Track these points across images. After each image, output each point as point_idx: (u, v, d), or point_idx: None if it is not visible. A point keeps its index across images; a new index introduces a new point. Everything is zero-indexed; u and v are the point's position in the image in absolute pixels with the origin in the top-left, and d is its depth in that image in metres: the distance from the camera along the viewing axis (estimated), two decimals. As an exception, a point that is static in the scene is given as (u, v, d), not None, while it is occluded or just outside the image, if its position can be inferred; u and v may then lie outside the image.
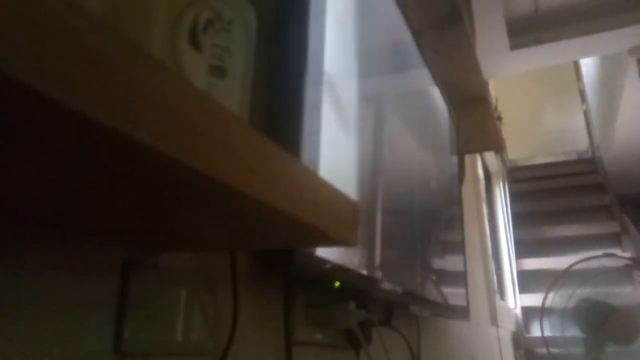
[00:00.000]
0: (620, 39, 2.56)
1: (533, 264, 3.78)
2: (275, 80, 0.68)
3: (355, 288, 0.79)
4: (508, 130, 3.47)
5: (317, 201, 0.35)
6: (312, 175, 0.35)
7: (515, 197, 4.34)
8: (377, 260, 0.89)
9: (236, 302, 0.56)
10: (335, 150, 0.74)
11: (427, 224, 1.31)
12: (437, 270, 1.36)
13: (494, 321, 2.62)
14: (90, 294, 0.41)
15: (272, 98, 0.67)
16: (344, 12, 0.86)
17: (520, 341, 3.40)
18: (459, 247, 1.72)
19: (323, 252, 0.65)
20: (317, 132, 0.68)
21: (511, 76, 3.67)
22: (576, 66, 4.78)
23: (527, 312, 3.55)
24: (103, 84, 0.19)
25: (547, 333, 2.94)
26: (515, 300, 3.58)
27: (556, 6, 2.58)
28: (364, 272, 0.82)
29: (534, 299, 3.44)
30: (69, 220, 0.36)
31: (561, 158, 5.03)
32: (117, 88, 0.19)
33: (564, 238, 3.85)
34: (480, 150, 1.98)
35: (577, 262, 2.94)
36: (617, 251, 3.46)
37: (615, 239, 3.74)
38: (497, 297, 2.84)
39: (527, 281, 3.68)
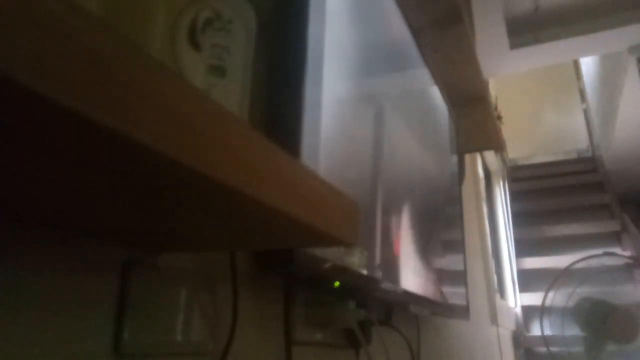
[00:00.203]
0: (619, 37, 2.56)
1: (533, 263, 3.78)
2: (274, 79, 0.68)
3: (355, 287, 0.79)
4: (508, 129, 3.48)
5: (317, 201, 0.35)
6: (312, 175, 0.35)
7: (515, 196, 4.35)
8: (377, 259, 0.89)
9: (236, 302, 0.56)
10: (335, 149, 0.74)
11: (427, 223, 1.31)
12: (437, 270, 1.36)
13: (494, 320, 2.62)
14: (89, 294, 0.41)
15: (272, 97, 0.67)
16: (343, 12, 0.86)
17: (520, 340, 3.40)
18: (459, 246, 1.72)
19: (323, 252, 0.65)
20: (317, 131, 0.68)
21: (511, 75, 3.67)
22: (576, 65, 4.79)
23: (527, 311, 3.55)
24: (103, 84, 0.19)
25: (547, 332, 2.94)
26: (516, 299, 3.58)
27: (556, 5, 2.58)
28: (364, 271, 0.82)
29: (534, 298, 3.44)
30: (68, 221, 0.36)
31: (561, 157, 5.04)
32: (117, 88, 0.19)
33: (564, 237, 3.85)
34: (480, 149, 1.98)
35: (577, 261, 2.94)
36: (617, 250, 3.47)
37: (615, 238, 3.75)
38: (497, 296, 2.84)
39: (527, 280, 3.68)
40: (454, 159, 1.82)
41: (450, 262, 1.57)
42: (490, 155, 3.54)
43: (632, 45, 2.63)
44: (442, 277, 1.39)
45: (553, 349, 2.97)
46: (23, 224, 0.36)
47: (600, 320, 2.67)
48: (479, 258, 2.58)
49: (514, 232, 3.95)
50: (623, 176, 4.38)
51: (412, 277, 1.09)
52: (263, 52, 0.67)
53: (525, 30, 2.65)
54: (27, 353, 0.35)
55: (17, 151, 0.22)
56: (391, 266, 0.96)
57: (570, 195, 4.29)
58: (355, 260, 0.78)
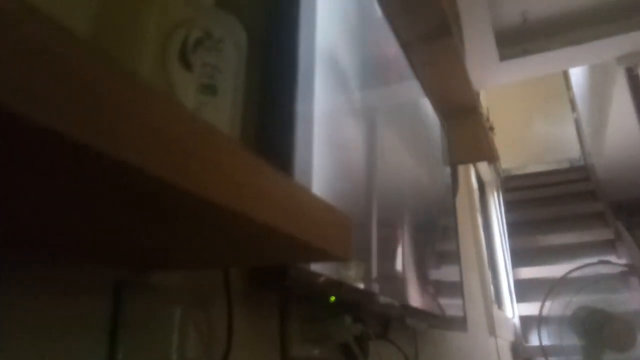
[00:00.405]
0: (608, 47, 2.60)
1: (529, 272, 3.78)
2: (266, 97, 0.68)
3: (351, 302, 0.79)
4: (500, 140, 3.50)
5: (309, 217, 0.35)
6: (303, 191, 0.35)
7: (510, 206, 4.36)
8: (373, 273, 0.89)
9: (230, 319, 0.56)
10: (328, 163, 0.75)
11: (423, 235, 1.31)
12: (434, 281, 1.36)
13: (492, 331, 2.61)
14: (82, 315, 0.40)
15: (264, 115, 0.68)
16: (334, 27, 0.87)
17: (519, 351, 3.38)
18: (454, 258, 1.72)
19: (317, 267, 0.65)
20: (309, 146, 0.68)
21: (502, 87, 3.70)
22: (565, 75, 4.84)
23: (525, 321, 3.54)
24: (90, 107, 0.19)
25: (546, 342, 2.93)
26: (513, 310, 3.57)
27: (544, 17, 2.62)
28: (360, 285, 0.82)
29: (531, 308, 3.44)
30: (58, 242, 0.36)
31: (554, 166, 5.07)
32: (104, 110, 0.19)
33: (559, 246, 3.86)
34: (473, 160, 1.99)
35: (572, 270, 2.95)
36: (612, 258, 3.47)
37: (609, 246, 3.76)
38: (495, 306, 2.84)
39: (524, 290, 3.68)
40: (448, 170, 1.83)
41: (446, 273, 1.57)
42: (483, 166, 3.56)
43: (620, 55, 2.67)
44: (438, 289, 1.39)
45: (552, 359, 2.96)
46: (9, 246, 0.36)
47: (597, 329, 2.67)
48: (475, 269, 2.58)
49: (509, 242, 3.96)
50: (615, 184, 4.41)
51: (408, 290, 1.09)
52: (254, 70, 0.68)
53: (514, 42, 2.68)
54: (18, 377, 0.35)
55: (2, 175, 0.22)
56: (387, 279, 0.96)
57: (564, 204, 4.31)
58: (352, 273, 0.77)
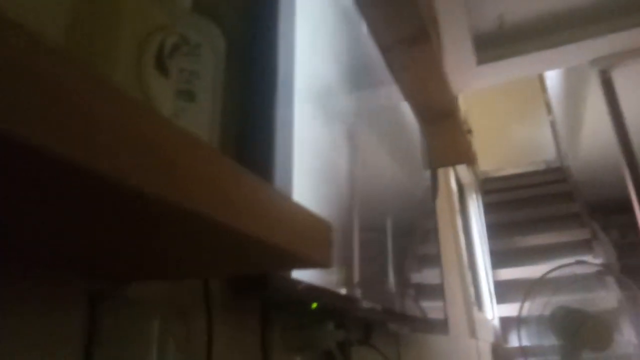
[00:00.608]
0: (582, 51, 2.66)
1: (508, 274, 3.83)
2: (245, 102, 0.68)
3: (333, 308, 0.79)
4: (478, 143, 3.55)
5: (289, 224, 0.35)
6: (283, 198, 0.35)
7: (488, 208, 4.42)
8: (355, 278, 0.89)
9: (211, 330, 0.55)
10: (309, 168, 0.74)
11: (404, 238, 1.32)
12: (415, 285, 1.36)
13: (473, 333, 2.63)
14: (55, 330, 0.39)
15: (243, 120, 0.67)
16: (313, 32, 0.86)
17: (499, 352, 3.42)
18: (435, 261, 1.73)
19: (299, 274, 0.65)
20: (289, 152, 0.67)
21: (479, 90, 3.76)
22: (541, 79, 4.93)
23: (505, 322, 3.58)
24: (62, 115, 0.18)
25: (525, 342, 2.97)
26: (493, 311, 3.61)
27: (519, 21, 2.67)
28: (342, 291, 0.81)
29: (510, 309, 3.48)
30: (30, 254, 0.35)
31: (531, 168, 5.16)
32: (79, 120, 0.19)
33: (537, 247, 3.92)
34: (452, 164, 2.01)
35: (550, 271, 2.99)
36: (589, 258, 3.54)
37: (586, 246, 3.84)
38: (475, 308, 2.86)
39: (504, 291, 3.72)
40: (427, 173, 1.84)
41: (428, 276, 1.58)
42: (462, 169, 3.59)
43: (593, 58, 2.73)
44: (420, 291, 1.40)
45: (531, 359, 3.00)
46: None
47: (575, 329, 2.71)
48: (456, 271, 2.60)
49: (488, 244, 4.01)
50: (591, 185, 4.50)
51: (390, 294, 1.09)
52: (233, 75, 0.67)
53: (491, 46, 2.72)
54: (-12, 397, 0.33)
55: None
56: (369, 284, 0.96)
57: (541, 205, 4.38)
58: (334, 279, 0.77)
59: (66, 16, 0.39)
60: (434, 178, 1.99)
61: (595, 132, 3.62)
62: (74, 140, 0.18)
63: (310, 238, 0.38)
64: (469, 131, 3.17)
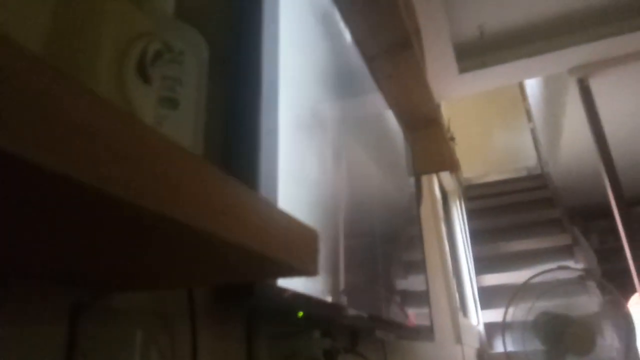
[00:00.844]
0: (560, 59, 2.71)
1: (492, 279, 3.86)
2: (229, 110, 0.67)
3: (320, 316, 0.78)
4: (461, 150, 3.59)
5: (275, 232, 0.34)
6: (269, 205, 0.34)
7: (472, 215, 4.46)
8: (341, 285, 0.88)
9: (195, 341, 0.54)
10: (294, 175, 0.74)
11: (389, 245, 1.32)
12: (401, 291, 1.36)
13: (458, 339, 2.64)
14: (34, 342, 0.38)
15: (227, 128, 0.66)
16: (298, 40, 0.86)
17: (484, 358, 3.44)
18: (420, 267, 1.74)
19: (284, 282, 0.64)
20: (274, 159, 0.67)
21: (461, 98, 3.80)
22: (521, 87, 5.02)
23: (490, 328, 3.61)
24: (43, 124, 0.18)
25: (510, 348, 2.98)
26: (478, 317, 3.63)
27: (499, 31, 2.72)
28: (328, 299, 0.81)
29: (495, 315, 3.51)
30: (9, 264, 0.34)
31: (512, 175, 5.23)
32: (58, 127, 0.18)
33: (520, 252, 3.97)
34: (436, 170, 2.03)
35: (534, 276, 3.02)
36: (571, 263, 3.59)
37: (567, 251, 3.89)
38: (460, 314, 2.88)
39: (488, 297, 3.75)
40: (412, 180, 1.85)
41: (413, 282, 1.58)
42: (446, 176, 3.63)
43: (572, 66, 2.79)
44: (405, 298, 1.40)
45: (516, 364, 3.02)
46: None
47: (558, 334, 2.74)
48: (441, 277, 2.61)
49: (472, 250, 4.04)
50: (571, 191, 4.58)
51: (376, 301, 1.09)
52: (217, 82, 0.67)
53: (472, 55, 2.77)
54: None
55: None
56: (355, 291, 0.96)
57: (523, 211, 4.44)
58: (320, 286, 0.77)
59: (47, 22, 0.38)
60: (418, 185, 2.00)
61: (574, 140, 3.69)
62: (51, 147, 0.18)
63: (297, 246, 0.37)
64: (452, 139, 3.20)
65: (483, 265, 3.96)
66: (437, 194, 3.09)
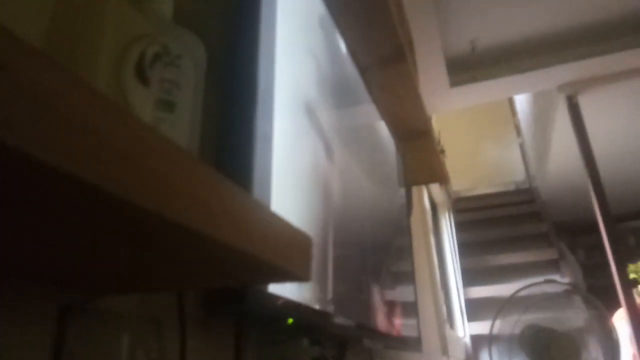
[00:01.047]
0: (550, 76, 2.75)
1: (479, 292, 3.88)
2: (225, 113, 0.68)
3: (309, 324, 0.78)
4: (451, 163, 3.61)
5: (269, 236, 0.34)
6: (263, 209, 0.34)
7: (460, 227, 4.48)
8: (330, 294, 0.88)
9: (184, 346, 0.54)
10: (286, 181, 0.74)
11: (379, 255, 1.32)
12: (389, 302, 1.36)
13: (445, 351, 2.64)
14: (20, 346, 0.37)
15: (223, 131, 0.67)
16: (294, 47, 0.87)
17: (470, 370, 3.44)
18: (409, 278, 1.74)
19: (275, 288, 0.64)
20: (268, 165, 0.67)
21: (452, 112, 3.84)
22: (511, 102, 5.08)
23: (476, 340, 3.61)
24: (43, 120, 0.18)
25: (496, 361, 2.99)
26: (464, 329, 3.64)
27: (490, 46, 2.75)
28: (317, 306, 0.81)
29: (481, 327, 3.51)
30: None
31: (501, 188, 5.27)
32: (58, 124, 0.18)
33: (507, 265, 3.99)
34: (426, 182, 2.04)
35: (520, 289, 3.04)
36: (557, 277, 3.62)
37: (554, 266, 3.92)
38: (447, 326, 2.88)
39: (475, 309, 3.76)
40: (402, 191, 1.86)
41: (401, 293, 1.58)
42: (435, 188, 3.64)
43: (561, 83, 2.83)
44: (393, 309, 1.40)
45: (502, 377, 3.02)
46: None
47: (544, 347, 2.75)
48: (429, 288, 2.61)
49: (459, 262, 4.05)
50: (558, 206, 4.63)
51: (365, 310, 1.09)
52: (213, 86, 0.67)
53: (463, 70, 2.80)
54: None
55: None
56: (344, 300, 0.96)
57: (511, 225, 4.47)
58: (309, 294, 0.77)
59: (45, 23, 0.38)
60: (408, 196, 2.01)
61: (562, 155, 3.74)
62: (50, 142, 0.18)
63: (290, 250, 0.37)
64: (442, 151, 3.22)
65: (470, 277, 3.97)
66: (426, 205, 3.10)
